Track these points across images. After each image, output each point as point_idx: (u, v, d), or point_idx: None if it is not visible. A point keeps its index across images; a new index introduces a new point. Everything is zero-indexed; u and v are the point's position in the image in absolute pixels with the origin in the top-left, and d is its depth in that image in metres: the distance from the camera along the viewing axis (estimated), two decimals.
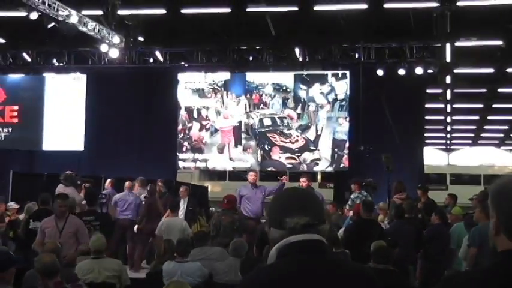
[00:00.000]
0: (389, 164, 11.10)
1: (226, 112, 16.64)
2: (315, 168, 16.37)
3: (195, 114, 16.82)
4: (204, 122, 16.73)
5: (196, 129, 16.68)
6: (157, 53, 16.46)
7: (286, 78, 16.45)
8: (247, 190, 9.15)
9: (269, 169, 16.58)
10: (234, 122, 16.54)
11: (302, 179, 9.24)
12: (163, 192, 11.20)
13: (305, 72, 16.31)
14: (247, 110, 16.60)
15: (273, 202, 2.01)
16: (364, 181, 10.33)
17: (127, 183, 10.68)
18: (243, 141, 16.49)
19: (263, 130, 16.35)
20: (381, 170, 11.80)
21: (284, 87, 16.50)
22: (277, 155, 16.03)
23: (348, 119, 15.92)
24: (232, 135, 16.52)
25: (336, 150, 15.92)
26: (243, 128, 16.52)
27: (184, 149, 16.69)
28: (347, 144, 15.85)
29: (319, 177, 18.82)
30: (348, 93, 15.92)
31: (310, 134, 16.11)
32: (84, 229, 6.92)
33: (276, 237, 1.87)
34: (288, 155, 16.02)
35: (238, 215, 8.57)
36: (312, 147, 16.04)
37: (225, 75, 16.74)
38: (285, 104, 16.40)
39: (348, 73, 15.96)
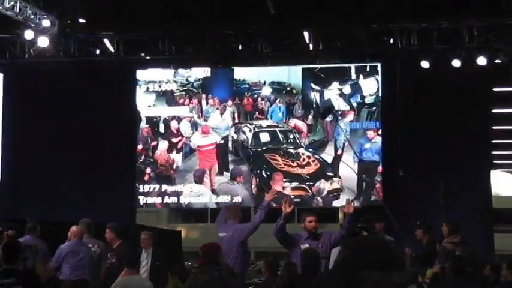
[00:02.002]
0: (450, 196, 11.35)
1: (206, 124, 16.62)
2: (335, 203, 16.27)
3: (162, 129, 16.79)
4: (174, 139, 16.70)
5: (164, 150, 16.64)
6: (106, 41, 16.37)
7: (292, 74, 16.48)
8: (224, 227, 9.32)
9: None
10: (218, 139, 16.53)
11: (309, 219, 9.19)
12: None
13: (318, 66, 16.32)
14: (236, 120, 16.60)
15: (352, 257, 2.26)
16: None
17: (74, 228, 10.52)
18: (231, 166, 16.44)
19: (259, 149, 16.34)
20: (427, 203, 11.64)
21: (288, 88, 16.54)
22: (279, 184, 15.87)
23: (380, 131, 15.94)
24: (215, 157, 16.47)
25: (364, 176, 15.90)
26: (230, 147, 16.50)
27: (146, 177, 16.67)
28: (380, 168, 15.86)
29: (340, 215, 18.51)
30: (380, 94, 15.96)
31: (327, 154, 16.10)
32: None
33: None
34: (296, 184, 15.98)
35: (222, 270, 8.52)
36: (330, 173, 16.00)
37: (203, 72, 16.73)
38: (290, 112, 16.40)
39: (379, 66, 16.03)
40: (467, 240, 9.51)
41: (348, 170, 15.97)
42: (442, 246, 9.34)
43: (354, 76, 16.14)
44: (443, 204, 11.56)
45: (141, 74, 16.94)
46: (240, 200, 16.00)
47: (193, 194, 16.55)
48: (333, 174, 16.00)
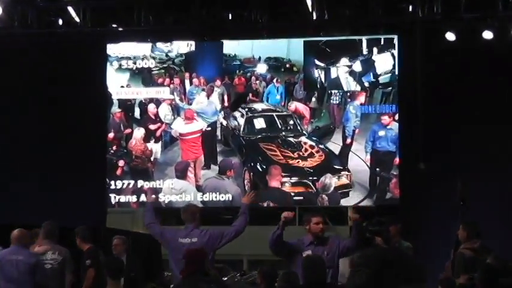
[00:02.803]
0: (467, 196, 11.31)
1: (189, 108, 16.61)
2: (344, 202, 16.16)
3: (137, 113, 16.79)
4: (151, 126, 16.68)
5: (139, 139, 16.61)
6: (70, 10, 16.18)
7: (292, 48, 16.44)
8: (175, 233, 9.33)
9: (264, 204, 16.17)
10: (204, 125, 16.54)
11: (316, 220, 9.10)
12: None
13: (323, 39, 16.29)
14: (226, 104, 16.61)
15: (378, 277, 2.48)
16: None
17: (15, 232, 10.32)
18: (220, 158, 16.43)
19: (253, 138, 16.35)
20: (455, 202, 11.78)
21: (288, 65, 16.55)
22: (277, 180, 15.86)
23: (397, 116, 15.90)
24: (201, 147, 16.47)
25: (377, 170, 15.89)
26: (218, 135, 16.54)
27: (118, 172, 16.66)
28: (396, 160, 15.84)
29: (350, 214, 18.46)
30: (397, 72, 15.93)
31: (334, 144, 16.12)
32: None
33: None
34: (296, 179, 15.95)
35: (211, 282, 8.26)
36: (337, 166, 15.98)
37: (186, 46, 16.75)
38: (289, 93, 16.45)
39: (395, 39, 15.99)
40: (489, 246, 9.46)
41: (359, 162, 15.96)
42: (460, 252, 9.34)
43: (365, 51, 16.08)
44: (460, 205, 11.50)
45: (113, 49, 16.89)
46: (231, 198, 16.05)
47: (175, 191, 16.49)
48: (340, 167, 15.96)
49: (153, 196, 15.30)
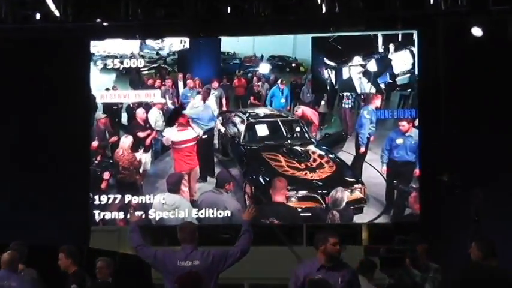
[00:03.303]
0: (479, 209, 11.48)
1: (183, 114, 16.52)
2: (357, 218, 16.10)
3: (124, 119, 16.82)
4: (141, 134, 16.61)
5: (127, 148, 16.53)
6: (49, 2, 16.02)
7: (298, 46, 16.53)
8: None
9: (267, 221, 16.05)
10: (199, 133, 16.49)
11: (333, 240, 8.81)
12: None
13: (334, 35, 16.25)
14: (224, 108, 16.75)
15: None
16: None
17: (5, 256, 10.40)
18: (217, 169, 16.40)
19: (255, 147, 16.39)
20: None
21: (294, 64, 16.62)
22: (282, 194, 15.77)
23: (417, 122, 15.86)
24: (196, 157, 16.41)
25: (395, 182, 15.83)
26: (216, 144, 16.61)
27: (103, 185, 16.61)
28: (417, 171, 15.78)
29: (364, 234, 18.50)
30: (417, 72, 15.90)
31: (346, 153, 16.19)
32: None
33: None
34: (304, 193, 15.86)
35: None
36: (350, 178, 15.91)
37: (179, 43, 16.81)
38: (295, 96, 16.50)
39: (415, 35, 15.96)
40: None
41: (374, 173, 15.90)
42: None
43: (381, 48, 16.04)
44: (475, 219, 11.67)
45: (97, 46, 16.88)
46: (230, 215, 15.96)
47: (167, 206, 16.42)
48: (353, 180, 15.88)
49: (137, 214, 15.05)
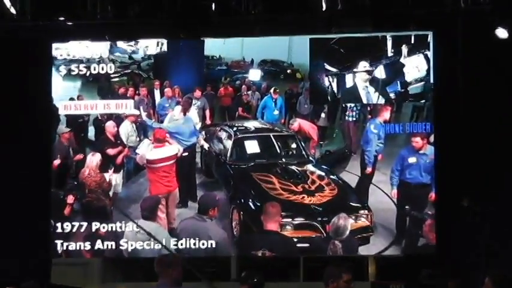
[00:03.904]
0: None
1: (160, 127, 16.63)
2: (363, 250, 16.05)
3: (91, 134, 16.86)
4: (110, 151, 16.52)
5: (94, 167, 16.41)
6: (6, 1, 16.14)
7: (294, 49, 16.59)
8: None
9: (258, 253, 15.83)
10: (179, 150, 16.47)
11: (347, 277, 8.61)
12: None
13: (336, 36, 16.20)
14: (208, 121, 16.95)
15: None
16: None
17: None
18: (200, 192, 16.41)
19: (244, 166, 16.43)
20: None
21: (289, 70, 16.74)
22: (275, 221, 15.15)
23: (432, 138, 15.85)
24: (175, 178, 16.37)
25: (407, 208, 15.78)
26: (198, 163, 16.76)
27: (67, 210, 16.39)
28: (432, 195, 15.74)
29: (371, 269, 18.45)
30: (432, 80, 15.90)
31: (350, 173, 16.28)
32: None
33: None
34: (301, 220, 15.73)
35: None
36: (354, 203, 15.84)
37: (156, 45, 16.88)
38: (291, 108, 16.63)
39: (430, 36, 15.92)
40: None
41: (383, 197, 15.91)
42: None
43: (391, 52, 16.02)
44: (487, 250, 12.03)
45: (60, 49, 16.80)
46: (214, 245, 15.70)
47: (141, 236, 16.28)
48: (358, 205, 15.81)
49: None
